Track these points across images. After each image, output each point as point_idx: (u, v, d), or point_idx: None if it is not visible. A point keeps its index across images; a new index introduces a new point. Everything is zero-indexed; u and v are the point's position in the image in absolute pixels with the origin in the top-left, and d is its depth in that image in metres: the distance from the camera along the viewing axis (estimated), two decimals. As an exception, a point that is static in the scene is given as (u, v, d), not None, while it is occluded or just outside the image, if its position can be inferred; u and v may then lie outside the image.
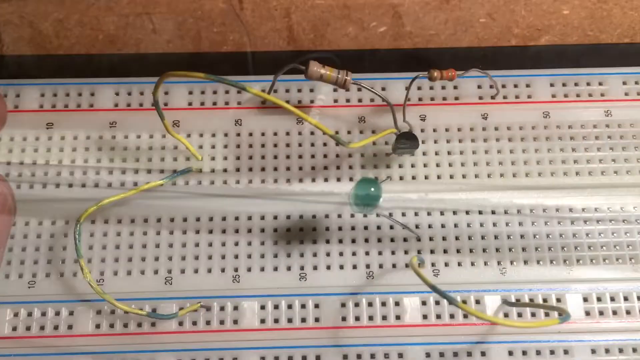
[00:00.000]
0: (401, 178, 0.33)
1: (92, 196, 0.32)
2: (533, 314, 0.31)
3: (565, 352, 0.30)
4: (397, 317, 0.31)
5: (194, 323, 0.31)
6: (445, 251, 0.32)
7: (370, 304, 0.31)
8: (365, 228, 0.32)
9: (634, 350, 0.31)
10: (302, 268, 0.32)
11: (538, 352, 0.30)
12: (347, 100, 0.35)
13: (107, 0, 0.37)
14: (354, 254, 0.32)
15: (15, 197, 0.32)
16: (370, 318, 0.31)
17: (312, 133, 0.34)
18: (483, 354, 0.30)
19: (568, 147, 0.34)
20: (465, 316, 0.31)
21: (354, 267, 0.32)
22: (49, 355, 0.30)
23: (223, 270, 0.32)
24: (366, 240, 0.32)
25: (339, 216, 0.32)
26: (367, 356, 0.30)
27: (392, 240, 0.32)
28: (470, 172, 0.33)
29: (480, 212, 0.32)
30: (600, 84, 0.35)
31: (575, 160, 0.33)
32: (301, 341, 0.31)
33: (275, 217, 0.32)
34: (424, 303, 0.31)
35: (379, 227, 0.32)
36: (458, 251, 0.32)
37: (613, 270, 0.32)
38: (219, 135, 0.34)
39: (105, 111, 0.34)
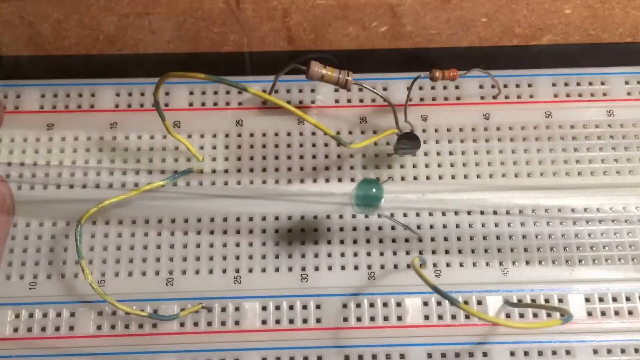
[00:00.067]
0: (403, 178, 0.33)
1: (93, 197, 0.32)
2: (535, 315, 0.31)
3: (567, 352, 0.30)
4: (399, 318, 0.31)
5: (196, 324, 0.31)
6: (447, 252, 0.32)
7: (371, 305, 0.31)
8: (367, 229, 0.32)
9: (636, 350, 0.30)
10: (303, 269, 0.32)
11: (540, 353, 0.30)
12: (349, 101, 0.35)
13: (107, 1, 0.37)
14: (355, 254, 0.32)
15: (16, 198, 0.32)
16: (372, 319, 0.31)
17: (313, 133, 0.34)
18: (485, 354, 0.30)
19: (570, 147, 0.34)
20: (467, 317, 0.31)
21: (356, 267, 0.32)
22: (50, 356, 0.30)
23: (224, 271, 0.32)
24: (368, 241, 0.32)
25: (341, 217, 0.32)
26: (369, 357, 0.30)
27: (393, 240, 0.32)
28: (472, 172, 0.33)
29: (482, 213, 0.32)
30: (602, 83, 0.35)
31: (577, 160, 0.33)
32: (303, 342, 0.31)
33: (277, 218, 0.32)
34: (425, 304, 0.31)
35: (380, 228, 0.32)
36: (460, 252, 0.32)
37: (615, 270, 0.32)
38: (220, 136, 0.34)
39: (106, 112, 0.34)
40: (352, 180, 0.33)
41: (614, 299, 0.31)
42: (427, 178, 0.33)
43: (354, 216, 0.32)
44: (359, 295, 0.31)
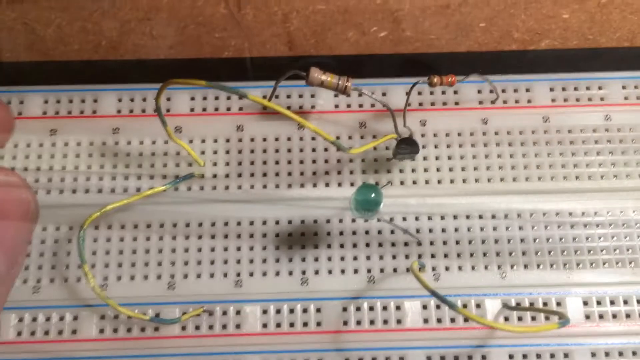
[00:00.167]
0: (402, 183, 0.33)
1: (95, 202, 0.32)
2: (533, 318, 0.31)
3: (566, 355, 0.31)
4: (399, 321, 0.31)
5: (197, 328, 0.31)
6: (445, 255, 0.32)
7: (371, 308, 0.31)
8: (367, 233, 0.32)
9: (634, 353, 0.31)
10: (303, 272, 0.32)
11: (538, 356, 0.31)
12: (348, 106, 0.35)
13: (109, 7, 0.37)
14: (355, 258, 0.32)
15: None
16: (372, 322, 0.31)
17: (313, 138, 0.34)
18: (484, 357, 0.31)
19: (568, 152, 0.34)
20: (466, 320, 0.31)
21: (355, 271, 0.32)
22: (53, 360, 0.31)
23: (225, 275, 0.32)
24: (367, 245, 0.32)
25: (340, 221, 0.33)
26: (369, 360, 0.31)
27: (393, 244, 0.32)
28: (470, 176, 0.33)
29: (480, 217, 0.33)
30: (599, 88, 0.35)
31: (574, 164, 0.34)
32: (303, 345, 0.31)
33: (277, 222, 0.33)
34: (425, 307, 0.31)
35: (380, 232, 0.32)
36: (458, 255, 0.32)
37: (613, 274, 0.32)
38: (221, 141, 0.34)
39: (108, 117, 0.34)
40: (352, 184, 0.33)
41: (612, 302, 0.31)
42: (426, 182, 0.33)
43: (353, 220, 0.33)
44: (358, 298, 0.31)
